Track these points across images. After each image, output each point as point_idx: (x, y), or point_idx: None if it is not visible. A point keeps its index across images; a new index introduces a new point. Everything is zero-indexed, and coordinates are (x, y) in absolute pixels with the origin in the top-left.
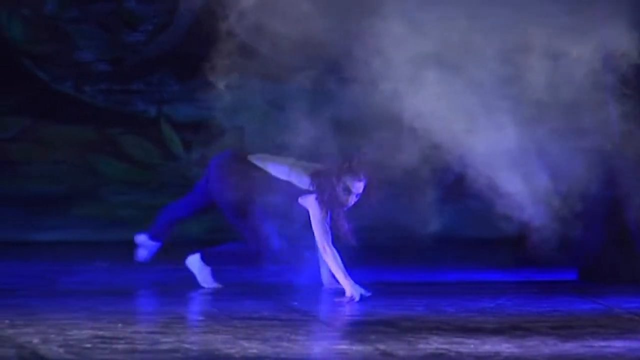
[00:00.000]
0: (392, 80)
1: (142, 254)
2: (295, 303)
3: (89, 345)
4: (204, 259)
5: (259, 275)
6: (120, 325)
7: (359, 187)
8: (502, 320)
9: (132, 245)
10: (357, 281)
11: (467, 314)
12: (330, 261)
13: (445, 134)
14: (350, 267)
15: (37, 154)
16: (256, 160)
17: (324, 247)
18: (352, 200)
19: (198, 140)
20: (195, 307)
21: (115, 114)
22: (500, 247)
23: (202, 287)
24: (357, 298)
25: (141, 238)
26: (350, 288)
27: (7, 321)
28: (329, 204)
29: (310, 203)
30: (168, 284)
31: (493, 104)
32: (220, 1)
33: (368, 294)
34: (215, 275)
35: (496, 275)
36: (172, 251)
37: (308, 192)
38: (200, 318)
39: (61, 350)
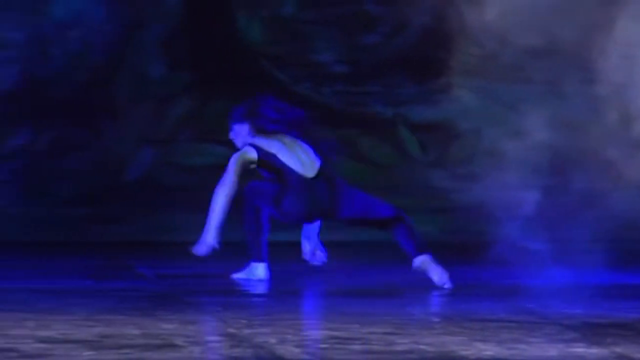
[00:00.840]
0: (631, 80)
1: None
2: (531, 305)
3: (325, 346)
4: (431, 258)
5: (494, 276)
6: (356, 325)
7: None
8: None
9: (369, 246)
10: None
11: None
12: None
13: None
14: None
15: None
16: None
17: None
18: None
19: (434, 142)
20: (430, 309)
21: (352, 115)
22: None
23: (439, 288)
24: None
25: None
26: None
27: (244, 321)
28: None
29: None
30: (402, 285)
31: None
32: (455, 4)
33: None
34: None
35: None
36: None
37: None
38: (435, 319)
39: (297, 350)
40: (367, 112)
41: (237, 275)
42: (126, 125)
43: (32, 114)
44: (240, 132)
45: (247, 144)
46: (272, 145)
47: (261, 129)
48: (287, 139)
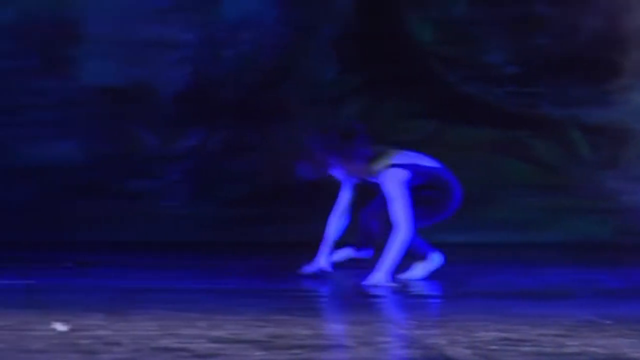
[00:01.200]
0: None
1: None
2: None
3: (495, 347)
4: None
5: None
6: (526, 327)
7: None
8: None
9: (537, 247)
10: None
11: None
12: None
13: None
14: None
15: (443, 156)
16: None
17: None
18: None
19: (606, 143)
20: (601, 310)
21: (521, 116)
22: None
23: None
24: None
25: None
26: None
27: (414, 322)
28: None
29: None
30: (570, 287)
31: None
32: (628, 6)
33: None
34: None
35: None
36: (578, 254)
37: None
38: (607, 321)
39: (468, 352)
40: (537, 113)
41: (411, 274)
42: (297, 127)
43: (203, 115)
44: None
45: (389, 167)
46: (406, 158)
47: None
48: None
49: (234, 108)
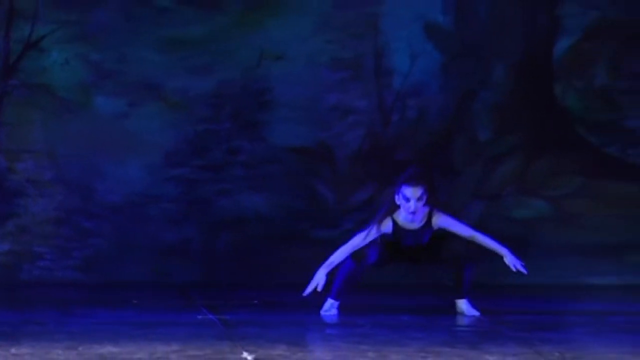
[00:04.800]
0: None
1: None
2: None
3: None
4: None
5: None
6: None
7: (414, 192)
8: None
9: None
10: None
11: None
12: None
13: None
14: None
15: (591, 208)
16: None
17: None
18: (413, 206)
19: None
20: None
21: None
22: None
23: None
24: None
25: None
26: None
27: (557, 354)
28: (383, 216)
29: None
30: None
31: None
32: None
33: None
34: None
35: None
36: None
37: None
38: None
39: None
40: None
41: None
42: (460, 182)
43: (378, 173)
44: None
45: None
46: None
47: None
48: None
49: (405, 166)
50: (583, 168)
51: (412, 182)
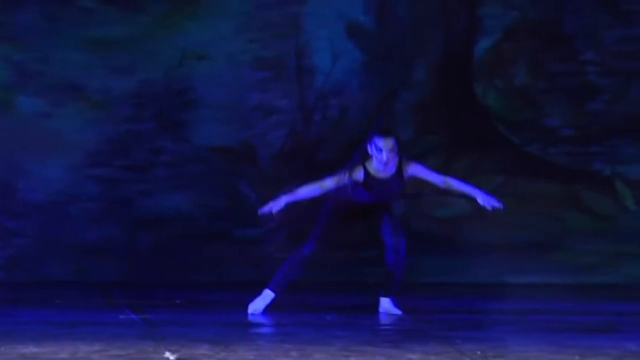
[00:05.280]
0: None
1: None
2: None
3: None
4: None
5: None
6: (577, 357)
7: (386, 143)
8: None
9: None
10: None
11: None
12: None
13: None
14: None
15: (512, 207)
16: None
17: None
18: (385, 157)
19: None
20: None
21: (576, 172)
22: None
23: None
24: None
25: None
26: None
27: (478, 352)
28: (355, 164)
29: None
30: (622, 322)
31: None
32: None
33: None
34: None
35: None
36: (628, 294)
37: None
38: None
39: None
40: (589, 170)
41: None
42: None
43: (300, 172)
44: None
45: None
46: None
47: None
48: None
49: (325, 165)
50: (503, 167)
51: (384, 133)
